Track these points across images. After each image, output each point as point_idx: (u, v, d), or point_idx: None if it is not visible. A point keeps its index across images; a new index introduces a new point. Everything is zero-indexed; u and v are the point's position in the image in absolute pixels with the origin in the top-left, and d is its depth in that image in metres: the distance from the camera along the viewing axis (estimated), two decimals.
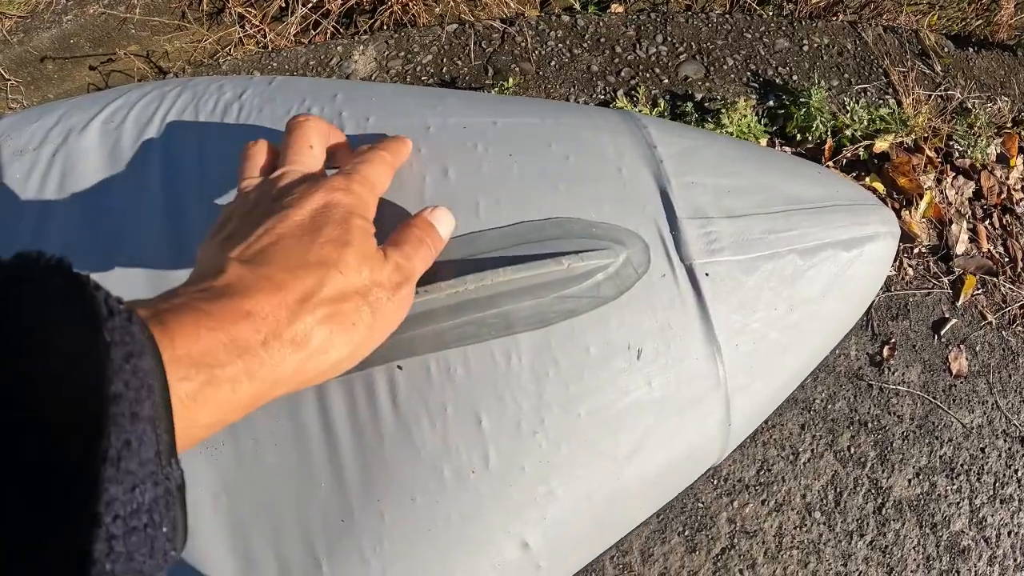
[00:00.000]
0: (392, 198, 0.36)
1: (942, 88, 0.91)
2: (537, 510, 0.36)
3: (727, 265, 0.41)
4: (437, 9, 0.86)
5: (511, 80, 0.65)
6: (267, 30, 0.81)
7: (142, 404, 0.15)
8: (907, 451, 0.82)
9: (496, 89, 0.63)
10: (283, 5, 0.79)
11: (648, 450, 0.38)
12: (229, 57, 0.75)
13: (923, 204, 0.83)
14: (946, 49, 0.96)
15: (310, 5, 0.82)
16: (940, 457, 0.84)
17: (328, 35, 0.87)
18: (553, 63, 0.71)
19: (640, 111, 0.69)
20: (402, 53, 0.72)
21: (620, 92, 0.71)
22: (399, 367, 0.34)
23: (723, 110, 0.71)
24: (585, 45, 0.72)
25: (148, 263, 0.41)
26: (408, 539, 0.34)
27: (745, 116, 0.71)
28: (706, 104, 0.74)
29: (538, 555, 0.36)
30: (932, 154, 0.86)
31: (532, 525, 0.36)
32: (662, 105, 0.71)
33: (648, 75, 0.72)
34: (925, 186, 0.83)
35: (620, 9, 1.00)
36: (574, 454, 0.36)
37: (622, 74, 0.72)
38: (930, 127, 0.86)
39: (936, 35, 0.96)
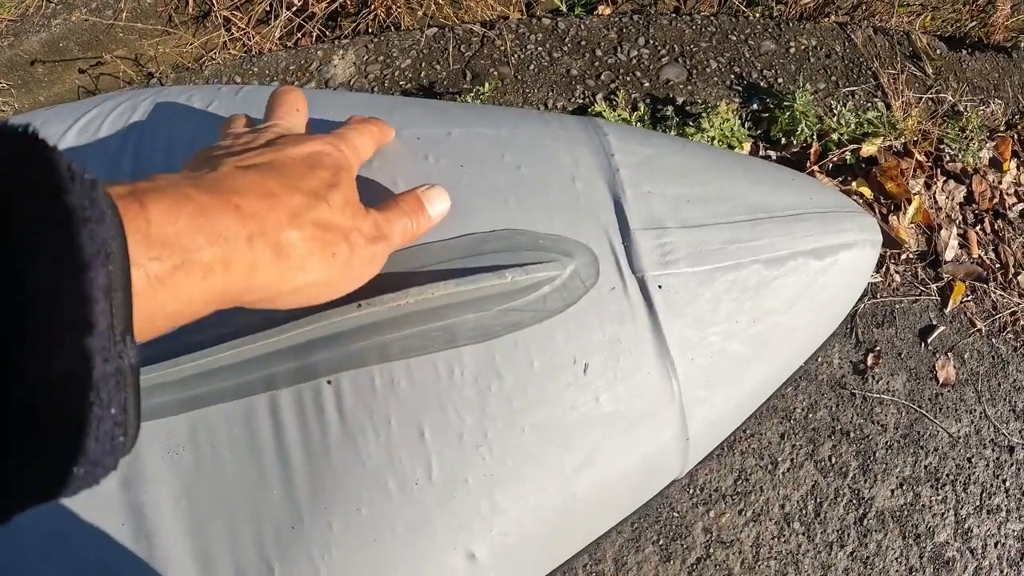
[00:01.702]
0: None
1: (933, 91, 0.89)
2: (483, 523, 0.36)
3: (682, 277, 0.40)
4: (420, 12, 0.86)
5: (488, 85, 0.65)
6: (252, 33, 0.81)
7: (96, 271, 0.14)
8: (891, 461, 0.81)
9: (472, 94, 0.63)
10: (268, 8, 0.79)
11: (598, 464, 0.37)
12: (212, 62, 0.75)
13: (911, 209, 0.82)
14: (938, 51, 0.95)
15: (294, 8, 0.82)
16: (925, 467, 0.82)
17: (313, 38, 0.87)
18: (532, 67, 0.70)
19: (619, 115, 0.68)
20: (381, 57, 0.72)
21: (599, 96, 0.70)
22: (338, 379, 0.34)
23: (705, 114, 0.71)
24: (565, 48, 0.72)
25: None
26: (355, 548, 0.34)
27: (727, 120, 0.70)
28: (687, 108, 0.73)
29: (486, 567, 0.36)
30: (922, 158, 0.85)
31: (479, 537, 0.36)
32: (642, 109, 0.70)
33: (629, 78, 0.72)
34: (914, 191, 0.82)
35: (607, 11, 0.99)
36: (519, 468, 0.36)
37: (602, 77, 0.71)
38: (920, 130, 0.85)
39: (928, 37, 0.94)
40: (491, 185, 0.37)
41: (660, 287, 0.38)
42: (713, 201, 0.42)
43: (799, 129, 0.76)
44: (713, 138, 0.71)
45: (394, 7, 0.84)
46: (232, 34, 0.81)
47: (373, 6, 0.84)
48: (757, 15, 0.86)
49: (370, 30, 0.87)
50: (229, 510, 0.35)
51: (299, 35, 0.87)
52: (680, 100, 0.72)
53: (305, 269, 0.23)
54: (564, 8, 0.95)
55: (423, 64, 0.70)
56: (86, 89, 0.82)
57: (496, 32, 0.73)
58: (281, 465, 0.34)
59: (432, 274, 0.34)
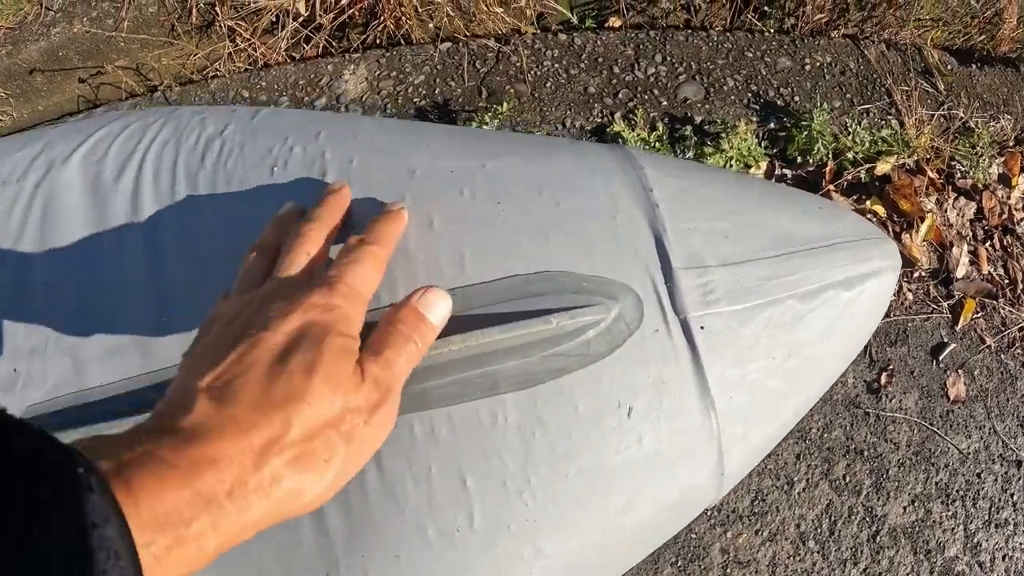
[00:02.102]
0: None
1: (945, 107, 0.89)
2: (524, 567, 0.35)
3: (723, 316, 0.39)
4: (431, 24, 0.84)
5: (505, 104, 0.64)
6: (258, 44, 0.79)
7: (110, 573, 0.15)
8: (903, 478, 0.81)
9: (490, 114, 0.62)
10: (274, 19, 0.77)
11: (640, 506, 0.36)
12: (217, 76, 0.73)
13: (924, 227, 0.82)
14: (949, 66, 0.95)
15: (301, 19, 0.81)
16: (936, 484, 0.83)
17: (320, 49, 0.85)
18: (549, 84, 0.69)
19: (638, 135, 0.68)
20: (394, 73, 0.71)
21: (617, 115, 0.69)
22: None
23: (723, 134, 0.70)
24: (582, 65, 0.71)
25: (130, 316, 0.40)
26: None
27: (745, 140, 0.70)
28: (705, 127, 0.73)
29: None
30: (934, 175, 0.85)
31: None
32: (660, 129, 0.69)
33: (647, 96, 0.71)
34: (927, 208, 0.82)
35: (617, 23, 0.98)
36: (563, 513, 0.35)
37: (620, 96, 0.70)
38: (932, 147, 0.85)
39: (939, 52, 0.94)
40: (531, 223, 0.35)
41: (702, 328, 0.37)
42: (750, 236, 0.41)
43: (815, 148, 0.76)
44: (731, 158, 0.71)
45: (404, 19, 0.82)
46: (237, 45, 0.79)
47: (382, 18, 0.83)
48: (772, 31, 0.85)
49: (379, 42, 0.86)
50: (259, 559, 0.33)
51: (306, 47, 0.85)
52: (698, 119, 0.72)
53: (300, 493, 0.22)
54: (575, 20, 0.94)
55: (437, 80, 0.69)
56: (86, 99, 0.80)
57: (512, 48, 0.72)
58: (315, 515, 0.33)
59: (475, 319, 0.33)
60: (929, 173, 0.84)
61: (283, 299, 0.25)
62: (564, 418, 0.35)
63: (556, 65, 0.70)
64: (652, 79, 0.71)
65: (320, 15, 0.82)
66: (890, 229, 0.82)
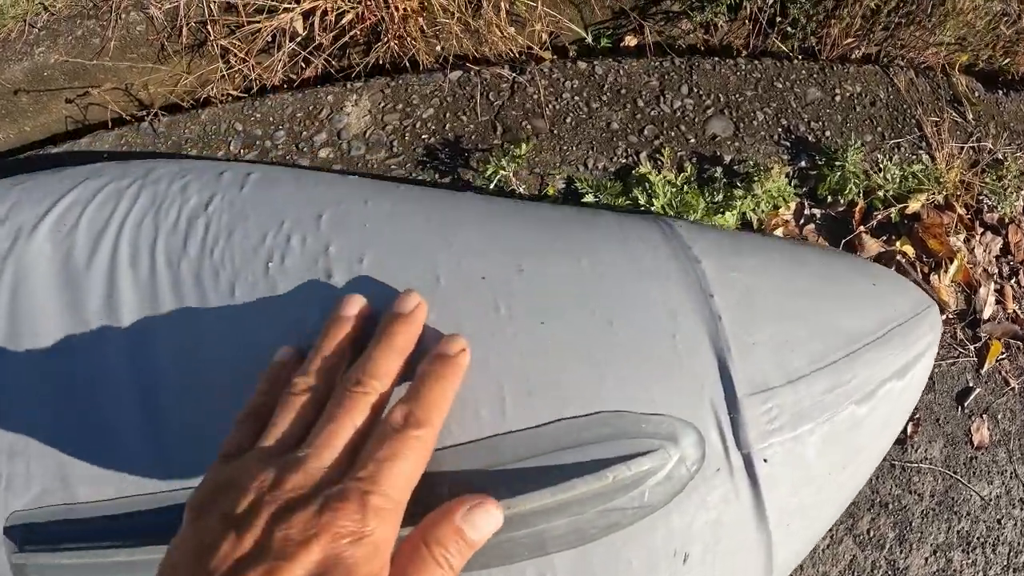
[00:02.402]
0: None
1: (974, 138, 0.85)
2: None
3: (786, 444, 0.35)
4: (438, 47, 0.78)
5: (524, 146, 0.58)
6: (253, 64, 0.72)
7: None
8: (925, 529, 0.79)
9: (507, 157, 0.56)
10: (270, 39, 0.71)
11: None
12: (209, 103, 0.67)
13: (952, 268, 0.79)
14: (976, 93, 0.91)
15: (299, 39, 0.74)
16: (957, 532, 0.81)
17: (319, 71, 0.79)
18: (569, 119, 0.64)
19: (665, 177, 0.63)
20: (400, 105, 0.65)
21: (643, 154, 0.64)
22: None
23: (756, 176, 0.65)
24: (604, 97, 0.65)
25: (111, 417, 0.35)
26: None
27: (777, 181, 0.66)
28: (735, 167, 0.68)
29: None
30: (962, 211, 0.81)
31: None
32: (689, 170, 0.65)
33: (673, 133, 0.66)
34: (955, 248, 0.79)
35: (633, 42, 0.92)
36: None
37: (645, 132, 0.65)
38: (962, 182, 0.81)
39: (967, 78, 0.90)
40: (581, 350, 0.31)
41: (765, 460, 0.34)
42: (810, 339, 0.38)
43: (847, 188, 0.72)
44: (761, 200, 0.67)
45: (408, 39, 0.76)
46: (231, 65, 0.72)
47: (386, 39, 0.76)
48: (799, 57, 0.80)
49: (382, 63, 0.79)
50: None
51: (305, 67, 0.78)
52: (728, 158, 0.67)
53: None
54: (590, 39, 0.88)
55: (447, 114, 0.63)
56: (74, 119, 0.73)
57: (528, 78, 0.66)
58: None
59: (520, 475, 0.28)
60: (958, 209, 0.81)
61: (307, 508, 0.21)
62: (616, 574, 0.31)
63: (576, 98, 0.65)
64: (679, 113, 0.66)
65: (319, 35, 0.75)
66: (918, 270, 0.79)
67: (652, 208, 0.61)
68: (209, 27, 0.74)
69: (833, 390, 0.38)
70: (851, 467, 0.41)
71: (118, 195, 0.42)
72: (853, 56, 0.93)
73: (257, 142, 0.64)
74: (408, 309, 0.26)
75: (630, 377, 0.32)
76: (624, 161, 0.64)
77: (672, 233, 0.41)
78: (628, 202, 0.60)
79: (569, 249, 0.35)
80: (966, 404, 0.81)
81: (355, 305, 0.27)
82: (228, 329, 0.32)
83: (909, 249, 0.78)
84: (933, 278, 0.80)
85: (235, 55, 0.75)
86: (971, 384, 0.82)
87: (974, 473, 0.82)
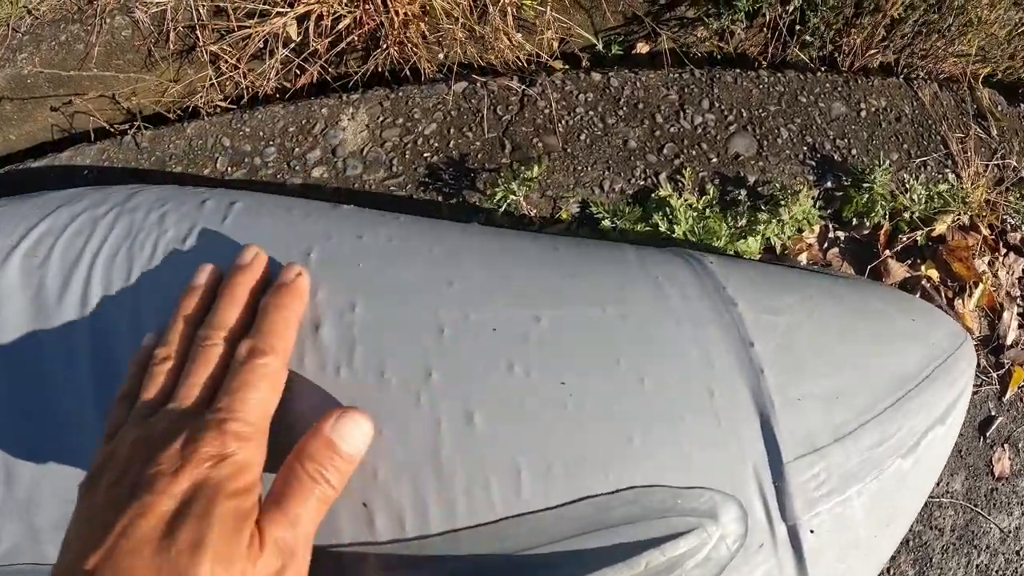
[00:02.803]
0: (390, 447, 0.25)
1: (999, 155, 0.82)
2: None
3: (832, 511, 0.32)
4: (441, 54, 0.74)
5: (536, 167, 0.54)
6: (244, 71, 0.68)
7: None
8: (945, 565, 0.76)
9: (517, 181, 0.52)
10: (262, 45, 0.66)
11: None
12: (197, 116, 0.62)
13: (977, 292, 0.75)
14: (1000, 107, 0.88)
15: (293, 45, 0.69)
16: (977, 566, 0.78)
17: (314, 78, 0.74)
18: (583, 136, 0.60)
19: (686, 201, 0.59)
20: (400, 119, 0.60)
21: (663, 176, 0.60)
22: None
23: (783, 200, 0.62)
24: (620, 113, 0.61)
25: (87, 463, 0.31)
26: None
27: (803, 204, 0.62)
28: (759, 188, 0.64)
29: None
30: (987, 232, 0.78)
31: None
32: (711, 192, 0.61)
33: (694, 152, 0.62)
34: (980, 270, 0.75)
35: (645, 49, 0.88)
36: None
37: (664, 151, 0.61)
38: (986, 201, 0.78)
39: (990, 91, 0.87)
40: (609, 416, 0.27)
41: (812, 532, 0.30)
42: (857, 389, 0.35)
43: (875, 210, 0.68)
44: (786, 224, 0.63)
45: (409, 45, 0.72)
46: (221, 72, 0.67)
47: (385, 45, 0.72)
48: (822, 69, 0.76)
49: (382, 71, 0.75)
50: None
51: (299, 74, 0.74)
52: (752, 179, 0.63)
53: None
54: (600, 46, 0.84)
55: (451, 130, 0.59)
56: (60, 127, 0.69)
57: (538, 90, 0.62)
58: None
59: (540, 562, 0.24)
60: (983, 230, 0.77)
61: (172, 446, 0.23)
62: None
63: (591, 112, 0.61)
64: (700, 130, 0.62)
65: (314, 41, 0.71)
66: (943, 295, 0.75)
67: (673, 235, 0.57)
68: (198, 32, 0.69)
69: (881, 444, 0.35)
70: (895, 523, 0.39)
71: (93, 224, 0.39)
72: (871, 66, 0.90)
73: (246, 159, 0.60)
74: (246, 261, 0.29)
75: (664, 443, 0.28)
76: (642, 183, 0.60)
77: (703, 270, 0.37)
78: (648, 228, 0.56)
79: (591, 294, 0.31)
80: (988, 434, 0.78)
81: (203, 274, 0.30)
82: None
83: (934, 273, 0.75)
84: (957, 303, 0.76)
85: (226, 61, 0.70)
86: (993, 412, 0.79)
87: (994, 505, 0.79)
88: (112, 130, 0.68)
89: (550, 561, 0.24)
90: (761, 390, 0.30)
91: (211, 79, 0.71)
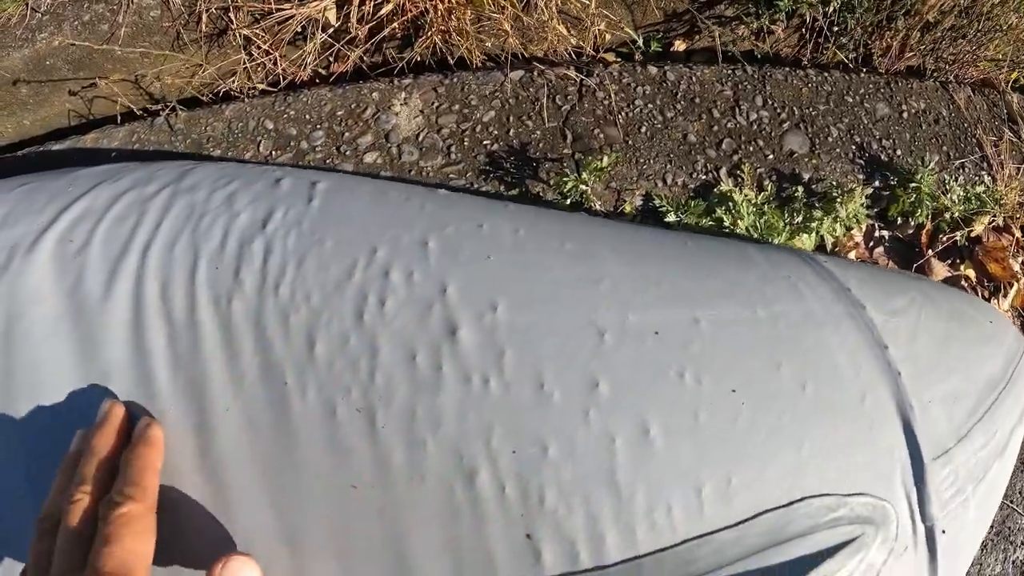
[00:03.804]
0: (555, 468, 0.23)
1: None
2: None
3: (956, 510, 0.32)
4: (487, 44, 0.71)
5: (605, 158, 0.52)
6: (279, 57, 0.65)
7: None
8: (984, 560, 0.76)
9: (587, 171, 0.50)
10: (299, 30, 0.63)
11: None
12: (232, 98, 0.59)
13: (1012, 293, 0.76)
14: None
15: (332, 30, 0.66)
16: (1013, 562, 0.79)
17: (350, 66, 0.71)
18: (644, 129, 0.58)
19: (746, 196, 0.58)
20: (456, 106, 0.58)
21: (723, 171, 0.59)
22: None
23: (839, 199, 0.61)
24: (678, 107, 0.60)
25: None
26: None
27: (857, 202, 0.62)
28: (814, 186, 0.64)
29: None
30: (1019, 234, 0.79)
31: None
32: (769, 188, 0.60)
33: (751, 148, 0.61)
34: (1015, 270, 0.76)
35: (682, 47, 0.87)
36: None
37: (723, 146, 0.60)
38: (1020, 204, 0.79)
39: (1019, 96, 0.88)
40: (780, 424, 0.25)
41: (944, 532, 0.30)
42: (966, 392, 0.35)
43: (919, 210, 0.68)
44: (840, 222, 0.63)
45: (454, 34, 0.69)
46: (254, 58, 0.64)
47: (429, 33, 0.69)
48: (863, 70, 0.77)
49: (423, 60, 0.72)
50: None
51: (334, 62, 0.71)
52: (806, 177, 0.62)
53: None
54: (640, 42, 0.82)
55: (510, 118, 0.56)
56: (78, 113, 0.64)
57: (596, 81, 0.60)
58: None
59: None
60: (1015, 231, 0.78)
61: None
62: None
63: (649, 105, 0.59)
64: (755, 127, 0.61)
65: (354, 27, 0.68)
66: (979, 295, 0.76)
67: (737, 229, 0.56)
68: (231, 14, 0.66)
69: (986, 445, 0.36)
70: (988, 521, 0.39)
71: (142, 206, 0.32)
72: (900, 68, 0.90)
73: (292, 143, 0.57)
74: (101, 417, 0.28)
75: (827, 451, 0.26)
76: (704, 177, 0.58)
77: (823, 271, 0.35)
78: (711, 222, 0.55)
79: (738, 294, 0.29)
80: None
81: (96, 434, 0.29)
82: (312, 403, 0.24)
83: (971, 273, 0.75)
84: (992, 303, 0.77)
85: (258, 47, 0.67)
86: None
87: None
88: (139, 113, 0.64)
89: None
90: (901, 394, 0.29)
91: (244, 64, 0.67)
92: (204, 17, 0.63)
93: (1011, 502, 0.79)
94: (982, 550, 0.77)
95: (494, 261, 0.27)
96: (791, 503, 0.23)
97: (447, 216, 0.31)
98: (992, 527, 0.78)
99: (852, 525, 0.25)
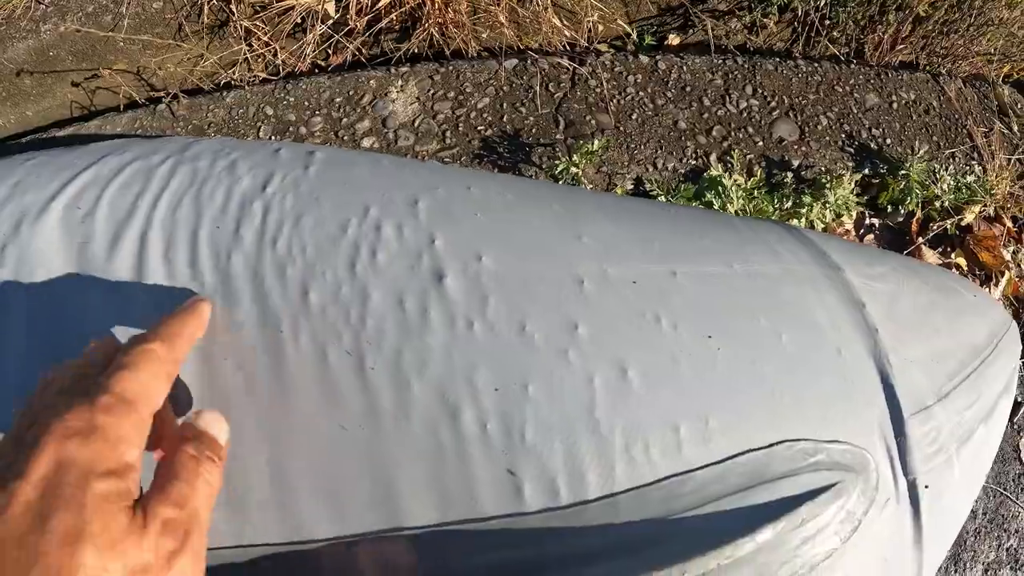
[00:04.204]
0: (537, 407, 0.24)
1: (1020, 151, 0.84)
2: None
3: (940, 467, 0.32)
4: (483, 35, 0.73)
5: (596, 141, 0.53)
6: (278, 49, 0.66)
7: None
8: (978, 547, 0.76)
9: (578, 154, 0.52)
10: (299, 21, 0.65)
11: None
12: (233, 86, 0.60)
13: (1003, 282, 0.77)
14: (1020, 105, 0.90)
15: (331, 22, 0.68)
16: (1007, 550, 0.79)
17: (349, 57, 0.73)
18: (635, 116, 0.59)
19: (735, 181, 0.59)
20: (451, 93, 0.59)
21: (713, 156, 0.60)
22: None
23: (828, 185, 0.62)
24: (669, 94, 0.61)
25: None
26: None
27: (846, 189, 0.63)
28: (803, 172, 0.65)
29: None
30: (1010, 224, 0.80)
31: None
32: (759, 174, 0.61)
33: (741, 135, 0.62)
34: (1006, 260, 0.77)
35: (676, 41, 0.89)
36: None
37: (713, 133, 0.61)
38: (1010, 194, 0.80)
39: (1010, 89, 0.89)
40: (755, 369, 0.26)
41: (927, 487, 0.30)
42: (949, 354, 0.36)
43: (909, 198, 0.69)
44: (830, 208, 0.64)
45: (450, 26, 0.71)
46: (254, 49, 0.66)
47: (426, 24, 0.71)
48: (853, 61, 0.78)
49: (419, 52, 0.74)
50: None
51: (332, 53, 0.72)
52: (796, 163, 0.63)
53: None
54: (635, 35, 0.84)
55: (504, 105, 0.58)
56: (80, 104, 0.65)
57: (588, 69, 0.61)
58: None
59: (710, 520, 0.23)
60: (1006, 221, 0.79)
61: (40, 420, 0.21)
62: None
63: (641, 93, 0.60)
64: (745, 115, 0.63)
65: (352, 19, 0.69)
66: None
67: (726, 213, 0.57)
68: (232, 6, 0.68)
69: (970, 407, 0.36)
70: (975, 486, 0.40)
71: (147, 174, 0.34)
72: (893, 62, 0.92)
73: (291, 128, 0.58)
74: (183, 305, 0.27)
75: (805, 399, 0.27)
76: (694, 163, 0.60)
77: (803, 237, 0.36)
78: (702, 206, 0.56)
79: (717, 251, 0.30)
80: (1015, 420, 0.79)
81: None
82: (306, 349, 0.26)
83: (963, 261, 0.76)
84: (983, 290, 0.78)
85: (259, 38, 0.69)
86: (1019, 399, 0.80)
87: (1022, 489, 0.80)
88: (141, 101, 0.66)
89: (715, 520, 0.23)
90: (878, 350, 0.30)
91: (244, 55, 0.69)
92: (206, 9, 0.65)
93: (1004, 490, 0.79)
94: (975, 537, 0.77)
95: (481, 218, 0.28)
96: (771, 445, 0.24)
97: (438, 180, 0.32)
98: (986, 514, 0.78)
99: (832, 471, 0.26)
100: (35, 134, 0.64)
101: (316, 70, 0.74)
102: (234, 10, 0.68)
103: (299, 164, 0.35)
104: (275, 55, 0.70)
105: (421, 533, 0.24)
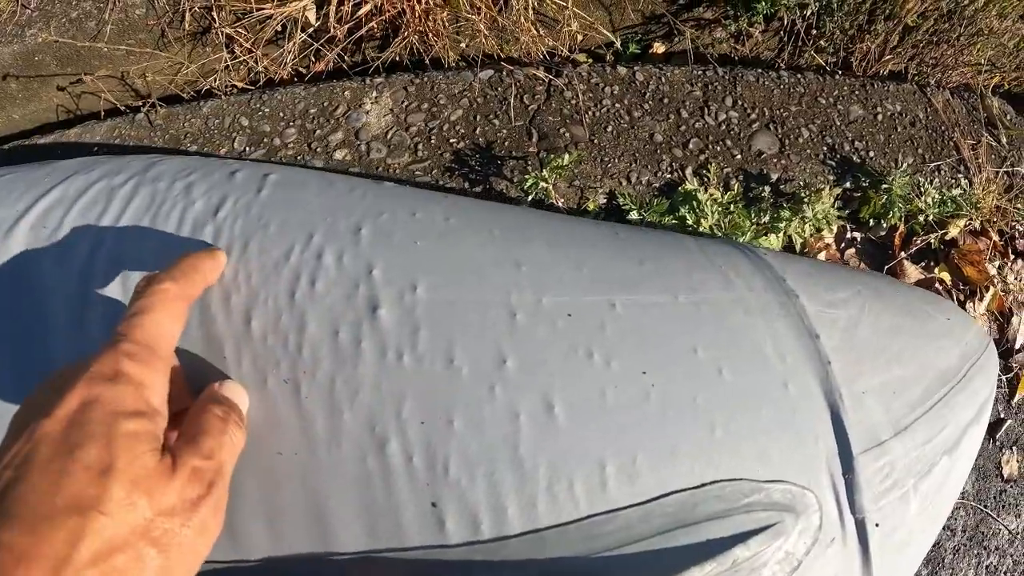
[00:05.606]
0: (462, 440, 0.24)
1: (1008, 163, 0.83)
2: None
3: (893, 504, 0.32)
4: (463, 44, 0.73)
5: (566, 156, 0.53)
6: (260, 56, 0.66)
7: None
8: (956, 565, 0.76)
9: (547, 168, 0.51)
10: (280, 29, 0.65)
11: None
12: (212, 96, 0.61)
13: (988, 296, 0.76)
14: (1008, 116, 0.89)
15: (311, 30, 0.68)
16: (986, 567, 0.78)
17: (329, 65, 0.73)
18: (610, 128, 0.59)
19: (711, 195, 0.58)
20: (425, 105, 0.59)
21: (689, 170, 0.60)
22: None
23: (806, 199, 0.62)
24: (646, 107, 0.61)
25: None
26: None
27: (825, 203, 0.62)
28: (782, 186, 0.64)
29: None
30: (996, 238, 0.79)
31: None
32: (736, 188, 0.60)
33: (719, 148, 0.62)
34: (991, 275, 0.76)
35: (661, 49, 0.88)
36: None
37: (690, 146, 0.61)
38: (997, 207, 0.79)
39: (999, 100, 0.88)
40: (691, 406, 0.26)
41: (877, 525, 0.30)
42: (911, 383, 0.35)
43: (892, 212, 0.69)
44: (808, 222, 0.63)
45: (430, 35, 0.71)
46: (236, 56, 0.66)
47: (406, 33, 0.71)
48: (839, 72, 0.77)
49: (400, 60, 0.74)
50: None
51: (315, 60, 0.72)
52: (774, 177, 0.63)
53: None
54: (619, 44, 0.84)
55: (478, 117, 0.58)
56: (66, 108, 0.66)
57: (564, 81, 0.61)
58: None
59: (633, 560, 0.23)
60: (992, 235, 0.78)
61: (69, 367, 0.22)
62: None
63: (617, 105, 0.60)
64: (724, 127, 0.62)
65: (333, 26, 0.69)
66: (954, 298, 0.76)
67: (700, 229, 0.56)
68: (214, 13, 0.68)
69: (931, 440, 0.35)
70: (938, 519, 0.39)
71: (109, 194, 0.35)
72: (882, 72, 0.91)
73: (265, 139, 0.58)
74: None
75: (743, 435, 0.27)
76: (669, 176, 0.59)
77: (760, 262, 0.36)
78: (675, 221, 0.56)
79: (662, 281, 0.30)
80: (997, 436, 0.78)
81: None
82: (248, 374, 0.26)
83: (946, 276, 0.75)
84: (968, 306, 0.77)
85: (240, 45, 0.69)
86: (1002, 415, 0.79)
87: (1003, 506, 0.80)
88: (124, 109, 0.66)
89: (639, 561, 0.23)
90: (830, 383, 0.30)
91: (226, 62, 0.69)
92: (188, 16, 0.65)
93: (985, 507, 0.78)
94: (955, 555, 0.77)
95: (420, 246, 0.29)
96: (701, 485, 0.24)
97: (384, 205, 0.32)
98: (965, 532, 0.78)
99: (768, 512, 0.25)
100: (20, 139, 0.64)
101: (297, 78, 0.74)
102: (216, 17, 0.68)
103: (252, 187, 0.35)
104: (257, 62, 0.70)
105: (350, 559, 0.24)
